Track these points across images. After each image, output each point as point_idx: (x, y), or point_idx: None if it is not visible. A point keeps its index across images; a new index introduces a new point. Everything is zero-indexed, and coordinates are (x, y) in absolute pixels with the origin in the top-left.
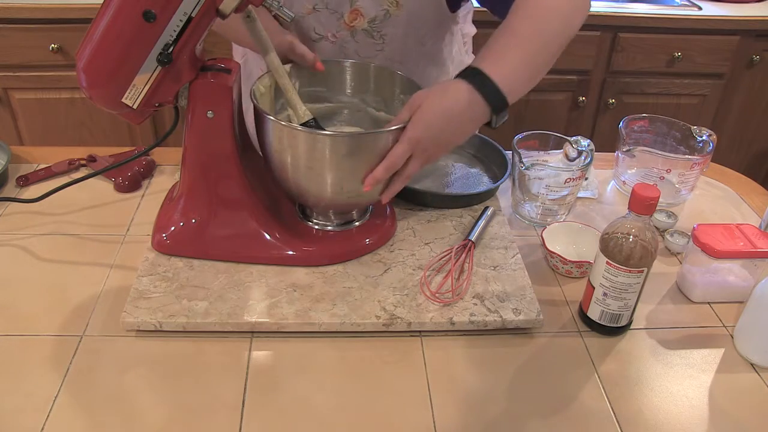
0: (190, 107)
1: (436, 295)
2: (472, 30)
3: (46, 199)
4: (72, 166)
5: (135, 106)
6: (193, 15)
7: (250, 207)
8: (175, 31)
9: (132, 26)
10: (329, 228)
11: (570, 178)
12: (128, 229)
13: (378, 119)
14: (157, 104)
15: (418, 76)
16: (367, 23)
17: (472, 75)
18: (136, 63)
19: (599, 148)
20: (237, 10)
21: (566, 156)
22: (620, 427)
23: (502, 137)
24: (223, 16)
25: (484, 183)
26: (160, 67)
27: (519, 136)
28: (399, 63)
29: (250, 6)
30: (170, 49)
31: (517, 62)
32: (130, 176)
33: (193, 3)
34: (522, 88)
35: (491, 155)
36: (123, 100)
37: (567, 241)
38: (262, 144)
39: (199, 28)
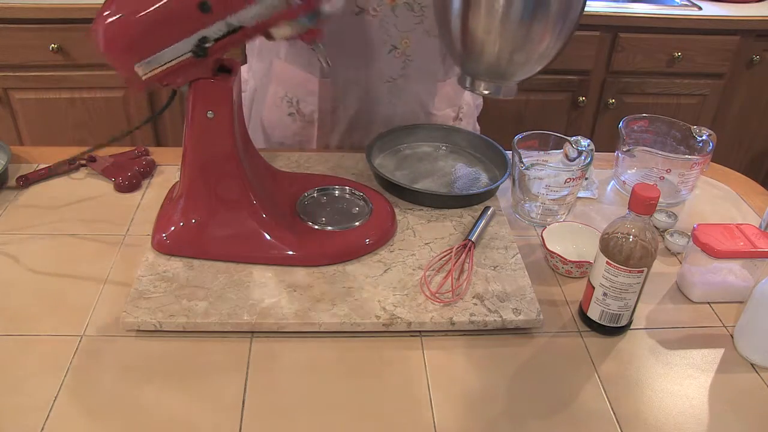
0: (190, 107)
1: (436, 295)
2: None
3: (46, 199)
4: (72, 166)
5: (144, 77)
6: (244, 26)
7: (250, 207)
8: (221, 30)
9: (184, 8)
10: (329, 228)
11: (570, 178)
12: (128, 229)
13: None
14: (165, 83)
15: None
16: None
17: None
18: (168, 42)
19: (599, 148)
20: (286, 38)
21: (566, 156)
22: (620, 427)
23: (502, 137)
24: (269, 38)
25: (484, 183)
26: (189, 55)
27: (519, 136)
28: (436, 37)
29: None
30: (209, 44)
31: None
32: (130, 176)
33: (251, 18)
34: None
35: (491, 155)
36: (136, 66)
37: (567, 241)
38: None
39: (245, 37)
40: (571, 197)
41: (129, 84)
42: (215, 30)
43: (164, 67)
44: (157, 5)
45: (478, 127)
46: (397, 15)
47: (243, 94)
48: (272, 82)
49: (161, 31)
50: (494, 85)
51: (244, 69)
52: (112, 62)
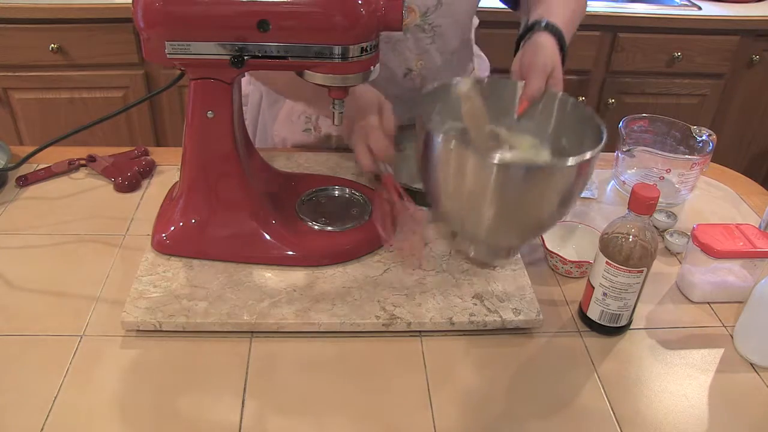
0: (190, 107)
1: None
2: (476, 21)
3: (46, 199)
4: (72, 166)
5: (168, 56)
6: (288, 58)
7: (250, 207)
8: (265, 51)
9: (242, 18)
10: (329, 228)
11: None
12: (128, 229)
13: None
14: (182, 68)
15: (462, 66)
16: (420, 18)
17: (550, 27)
18: (211, 38)
19: None
20: (315, 83)
21: None
22: (620, 427)
23: None
24: (300, 75)
25: None
26: (226, 58)
27: None
28: (449, 54)
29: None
30: (247, 57)
31: (567, 16)
32: (130, 176)
33: (299, 55)
34: (570, 35)
35: None
36: (167, 42)
37: (567, 241)
38: (437, 175)
39: (283, 66)
40: None
41: (145, 45)
42: (260, 48)
43: (194, 57)
44: (216, 8)
45: None
46: (409, 37)
47: (244, 107)
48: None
49: (210, 26)
50: (483, 250)
51: (244, 81)
52: (144, 26)
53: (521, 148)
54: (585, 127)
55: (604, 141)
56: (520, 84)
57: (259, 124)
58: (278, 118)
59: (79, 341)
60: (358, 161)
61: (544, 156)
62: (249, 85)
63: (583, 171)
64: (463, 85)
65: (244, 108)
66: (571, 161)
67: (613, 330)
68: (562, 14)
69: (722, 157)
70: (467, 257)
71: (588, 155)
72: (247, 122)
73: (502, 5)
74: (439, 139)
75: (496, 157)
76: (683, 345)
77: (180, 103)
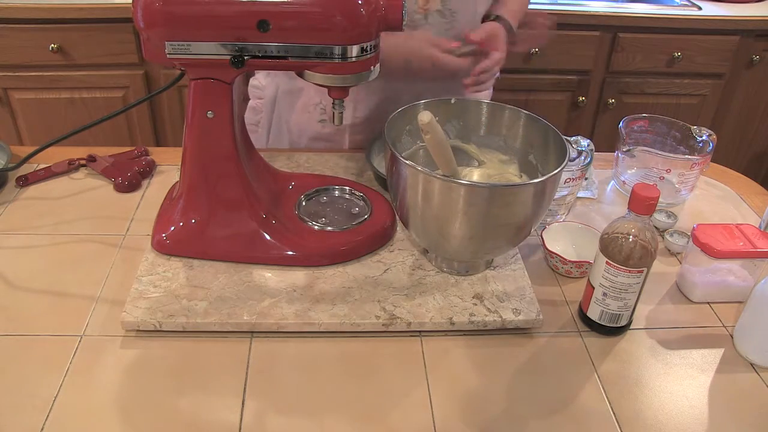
0: (190, 107)
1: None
2: None
3: (46, 199)
4: (72, 166)
5: (168, 56)
6: (288, 58)
7: (250, 207)
8: (265, 51)
9: (242, 18)
10: (329, 228)
11: (570, 178)
12: (128, 229)
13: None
14: (182, 68)
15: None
16: (441, 3)
17: (500, 19)
18: (210, 38)
19: (599, 148)
20: (315, 84)
21: None
22: (620, 427)
23: None
24: (300, 76)
25: None
26: (226, 58)
27: None
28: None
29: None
30: (247, 57)
31: (515, 10)
32: (130, 176)
33: (299, 55)
34: (517, 23)
35: None
36: (167, 43)
37: (567, 241)
38: (405, 193)
39: (282, 66)
40: (570, 197)
41: (146, 46)
42: (260, 48)
43: (194, 57)
44: (218, 2)
45: None
46: (430, 23)
47: (259, 101)
48: (307, 88)
49: (210, 26)
50: (454, 266)
51: (261, 75)
52: (144, 26)
53: (490, 164)
54: (550, 142)
55: (567, 158)
56: (486, 103)
57: (275, 117)
58: (296, 108)
59: (79, 341)
60: (447, 62)
61: (512, 171)
62: (266, 77)
63: (548, 187)
64: (423, 116)
65: (259, 101)
66: (536, 180)
67: (613, 330)
68: (509, 8)
69: (722, 157)
70: (441, 271)
71: (545, 177)
72: (262, 115)
73: None
74: (405, 165)
75: (462, 181)
76: (683, 345)
77: (180, 103)
